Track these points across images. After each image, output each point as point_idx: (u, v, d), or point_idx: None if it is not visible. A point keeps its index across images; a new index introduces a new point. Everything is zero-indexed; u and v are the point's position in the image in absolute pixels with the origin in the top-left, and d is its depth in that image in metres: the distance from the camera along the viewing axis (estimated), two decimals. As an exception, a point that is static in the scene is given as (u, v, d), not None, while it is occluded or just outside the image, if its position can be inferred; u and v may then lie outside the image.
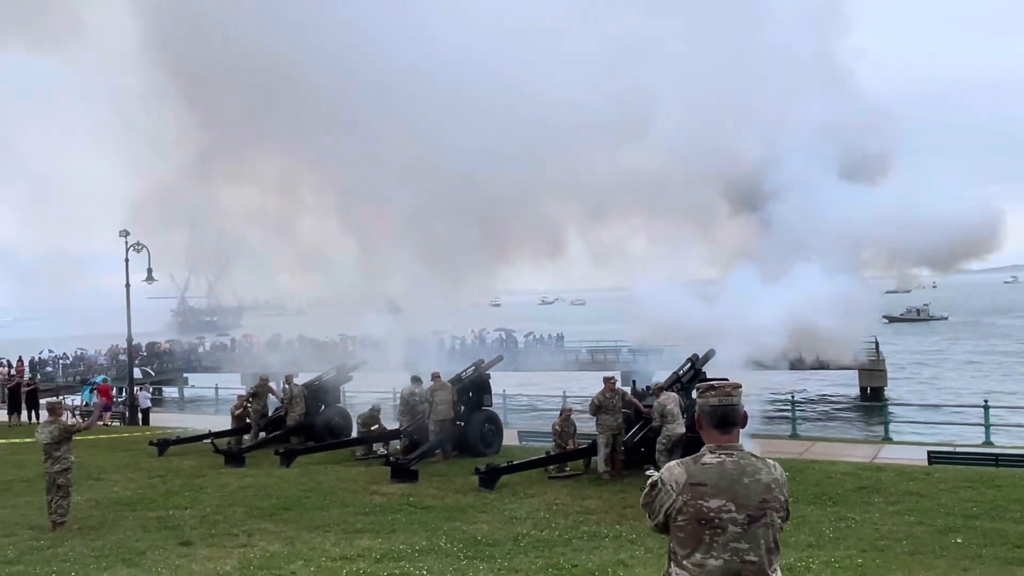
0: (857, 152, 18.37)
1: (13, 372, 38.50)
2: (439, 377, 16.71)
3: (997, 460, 14.70)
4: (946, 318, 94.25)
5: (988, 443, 18.95)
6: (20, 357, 43.27)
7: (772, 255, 16.75)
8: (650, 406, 14.35)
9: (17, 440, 20.99)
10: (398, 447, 17.20)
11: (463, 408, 17.06)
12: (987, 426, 19.62)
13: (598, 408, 14.32)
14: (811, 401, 36.73)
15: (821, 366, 30.96)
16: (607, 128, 18.80)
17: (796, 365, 31.25)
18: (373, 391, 22.92)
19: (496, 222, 20.25)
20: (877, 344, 37.11)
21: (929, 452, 15.52)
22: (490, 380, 17.84)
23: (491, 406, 17.99)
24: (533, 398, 32.28)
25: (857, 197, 17.18)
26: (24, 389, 27.39)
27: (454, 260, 20.63)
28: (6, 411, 27.42)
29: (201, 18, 19.13)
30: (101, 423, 26.11)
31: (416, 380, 17.70)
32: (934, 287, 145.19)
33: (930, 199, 17.09)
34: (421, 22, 18.77)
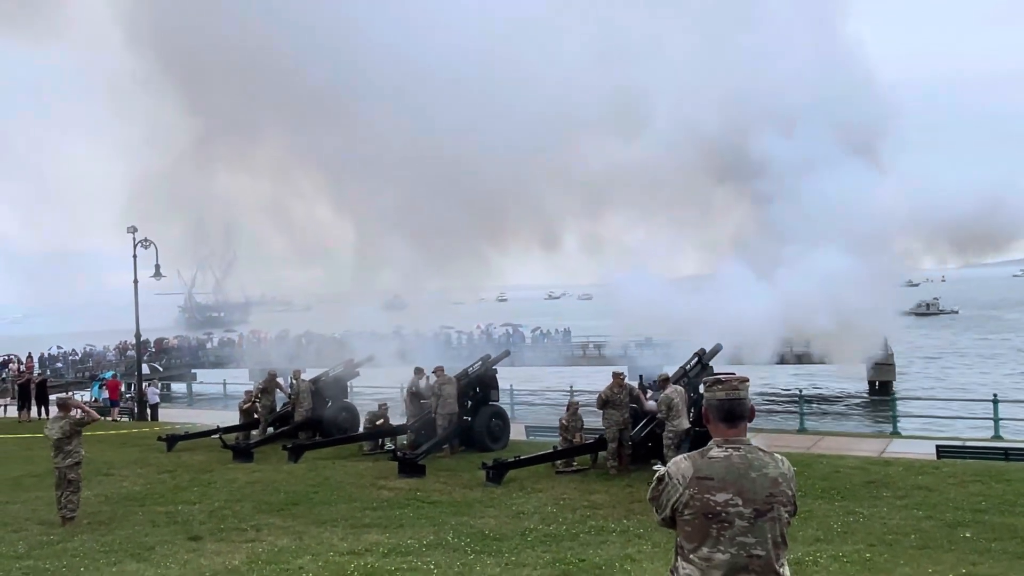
0: (859, 136, 18.18)
1: (23, 368, 38.70)
2: (443, 371, 16.74)
3: (1007, 454, 14.62)
4: (956, 312, 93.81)
5: (997, 437, 18.86)
6: (29, 353, 43.47)
7: (768, 246, 16.60)
8: (653, 400, 14.37)
9: (27, 435, 21.12)
10: (405, 442, 17.25)
11: (470, 403, 17.08)
12: (996, 420, 19.51)
13: (605, 403, 14.29)
14: (819, 396, 36.60)
15: (812, 361, 30.40)
16: (604, 120, 18.76)
17: (786, 359, 30.38)
18: (379, 386, 22.97)
19: (497, 214, 20.30)
20: (885, 339, 36.87)
21: (938, 446, 15.45)
22: (497, 375, 17.86)
23: (498, 401, 18.01)
24: (540, 393, 32.26)
25: (863, 179, 16.94)
26: (34, 381, 27.60)
27: (453, 251, 20.68)
28: (16, 407, 27.58)
29: (190, 9, 19.15)
30: (110, 419, 26.29)
31: (419, 371, 17.76)
32: (943, 281, 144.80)
33: (946, 181, 16.83)
34: (419, 13, 18.74)
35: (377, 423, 17.89)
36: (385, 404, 18.35)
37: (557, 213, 20.82)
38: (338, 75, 18.68)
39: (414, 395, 17.58)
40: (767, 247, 16.68)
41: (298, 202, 23.30)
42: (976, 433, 20.63)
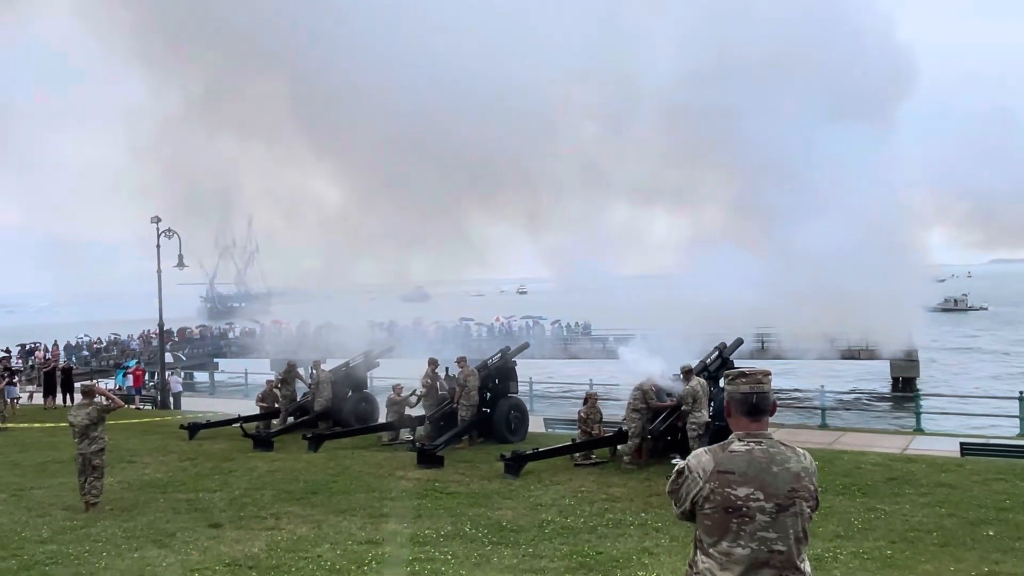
0: (865, 103, 17.69)
1: (48, 356, 39.26)
2: (465, 362, 16.75)
3: (1032, 452, 14.41)
4: (985, 308, 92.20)
5: (1023, 435, 18.60)
6: (55, 341, 44.09)
7: (751, 228, 16.25)
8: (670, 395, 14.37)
9: (52, 423, 21.41)
10: (423, 433, 17.28)
11: (489, 395, 17.09)
12: (1022, 418, 19.24)
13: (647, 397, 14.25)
14: (841, 391, 36.28)
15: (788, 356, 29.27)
16: (600, 109, 18.60)
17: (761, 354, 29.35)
18: (400, 377, 23.01)
19: (487, 195, 20.34)
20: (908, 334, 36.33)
21: (962, 444, 15.22)
22: (516, 367, 17.84)
23: (517, 393, 17.99)
24: (559, 385, 32.21)
25: (867, 148, 16.35)
26: (61, 367, 27.98)
27: (445, 229, 20.74)
28: (42, 394, 27.99)
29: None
30: (133, 407, 26.63)
31: (432, 363, 17.77)
32: (968, 276, 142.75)
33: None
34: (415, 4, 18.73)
35: (415, 394, 17.79)
36: (400, 385, 18.34)
37: (545, 197, 20.83)
38: (338, 66, 18.70)
39: (430, 387, 17.59)
40: (749, 229, 16.33)
41: (296, 183, 23.46)
42: (1001, 431, 20.36)
